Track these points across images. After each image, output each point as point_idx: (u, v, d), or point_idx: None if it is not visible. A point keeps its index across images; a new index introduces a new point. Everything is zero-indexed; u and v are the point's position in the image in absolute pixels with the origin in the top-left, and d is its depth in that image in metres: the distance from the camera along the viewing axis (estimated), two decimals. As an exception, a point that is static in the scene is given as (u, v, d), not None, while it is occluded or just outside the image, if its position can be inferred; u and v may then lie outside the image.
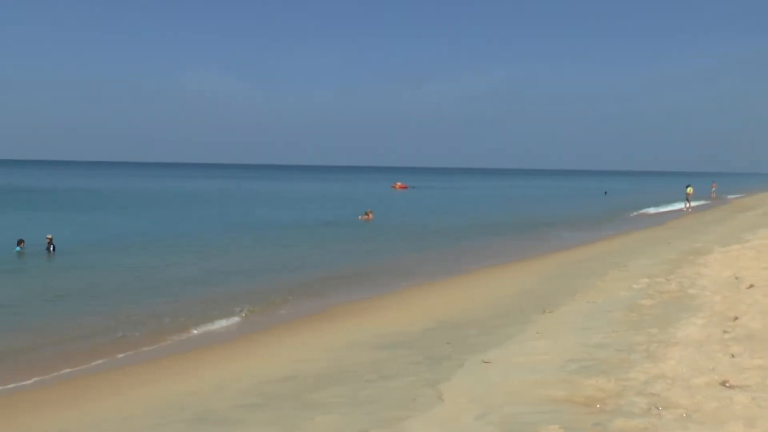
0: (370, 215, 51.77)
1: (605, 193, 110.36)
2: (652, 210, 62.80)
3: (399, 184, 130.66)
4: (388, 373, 11.62)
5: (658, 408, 8.29)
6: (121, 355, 15.55)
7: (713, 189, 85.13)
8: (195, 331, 17.63)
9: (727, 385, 9.00)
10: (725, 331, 11.69)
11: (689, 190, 64.16)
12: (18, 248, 30.27)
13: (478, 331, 14.64)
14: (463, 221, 52.50)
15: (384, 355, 13.34)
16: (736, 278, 16.80)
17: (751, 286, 15.43)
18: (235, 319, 18.89)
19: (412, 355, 12.91)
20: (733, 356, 10.22)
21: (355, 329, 16.82)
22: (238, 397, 11.25)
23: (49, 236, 30.93)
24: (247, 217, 53.62)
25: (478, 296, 20.47)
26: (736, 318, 12.60)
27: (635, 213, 60.36)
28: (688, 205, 63.36)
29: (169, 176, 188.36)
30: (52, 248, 30.36)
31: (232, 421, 9.94)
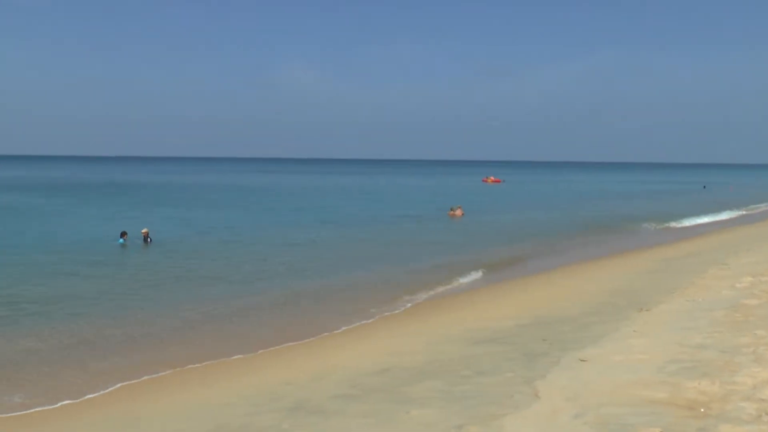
0: (459, 211, 51.14)
1: (704, 187, 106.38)
2: (763, 206, 60.20)
3: (492, 178, 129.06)
4: (484, 369, 11.62)
5: (768, 415, 7.96)
6: (221, 346, 16.07)
7: None
8: (291, 323, 18.09)
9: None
10: (840, 335, 11.12)
11: None
12: (121, 240, 31.83)
13: (572, 328, 14.43)
14: (556, 216, 51.65)
15: (478, 350, 13.34)
16: None
17: None
18: (330, 313, 19.26)
19: (507, 351, 12.84)
20: None
21: (448, 323, 16.87)
22: (334, 388, 11.48)
23: (145, 230, 32.94)
24: (336, 212, 54.28)
25: (572, 292, 20.15)
26: None
27: (742, 210, 57.97)
28: None
29: (265, 171, 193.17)
30: (148, 240, 32.13)
31: (328, 412, 10.14)
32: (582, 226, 43.56)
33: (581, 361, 11.27)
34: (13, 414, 11.70)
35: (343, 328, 17.53)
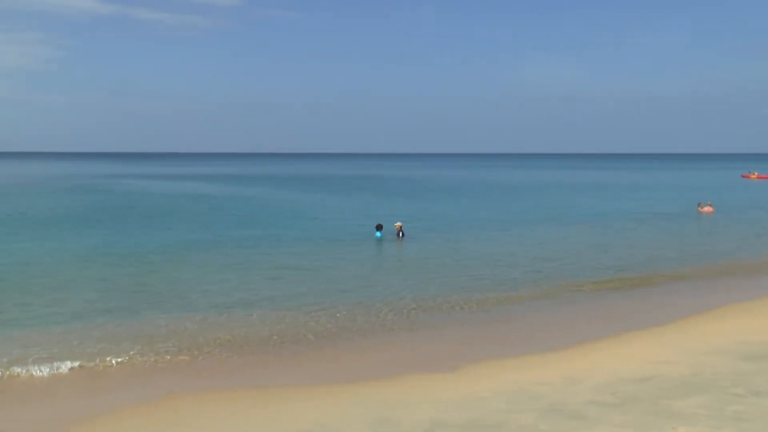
0: (708, 208, 47.27)
1: None
2: None
3: (755, 174, 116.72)
4: (759, 389, 10.67)
5: None
6: (483, 343, 16.35)
7: None
8: (547, 324, 17.95)
9: None
10: None
11: None
12: (379, 234, 33.52)
13: None
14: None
15: (751, 367, 12.26)
16: None
17: None
18: (573, 308, 18.82)
19: (785, 371, 11.68)
20: None
21: (711, 333, 15.68)
22: (592, 393, 11.20)
23: (399, 224, 34.27)
24: (575, 209, 52.75)
25: None
26: None
27: None
28: None
29: (504, 167, 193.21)
30: (401, 234, 33.41)
31: (586, 418, 9.92)
32: None
33: None
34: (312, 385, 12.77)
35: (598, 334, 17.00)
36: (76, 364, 14.19)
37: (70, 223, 40.94)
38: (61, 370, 13.85)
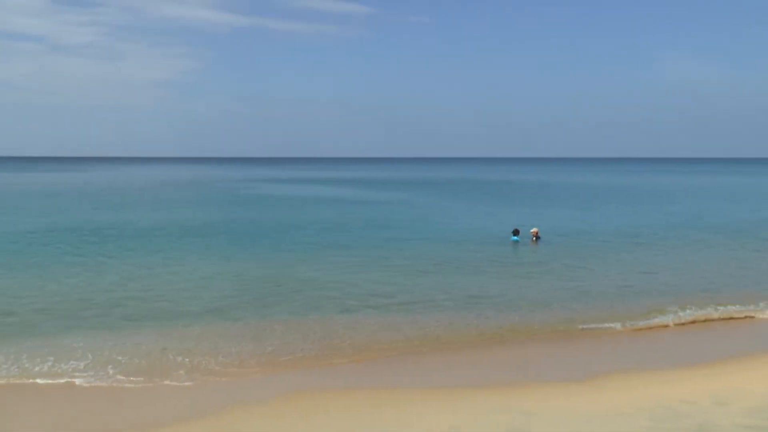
0: None
1: None
2: None
3: None
4: None
5: None
6: (629, 353, 15.82)
7: None
8: (695, 340, 17.09)
9: None
10: None
11: None
12: (515, 237, 33.24)
13: None
14: None
15: None
16: None
17: None
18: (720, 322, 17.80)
19: None
20: None
21: None
22: (743, 416, 10.54)
23: (534, 229, 33.93)
24: (723, 217, 49.69)
25: None
26: None
27: None
28: None
29: (640, 171, 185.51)
30: (537, 239, 33.07)
31: (739, 443, 9.34)
32: None
33: None
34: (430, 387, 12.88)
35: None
36: (216, 358, 14.91)
37: (211, 223, 43.28)
38: (200, 363, 14.57)
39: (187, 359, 14.68)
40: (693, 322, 18.44)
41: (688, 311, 19.15)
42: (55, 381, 13.38)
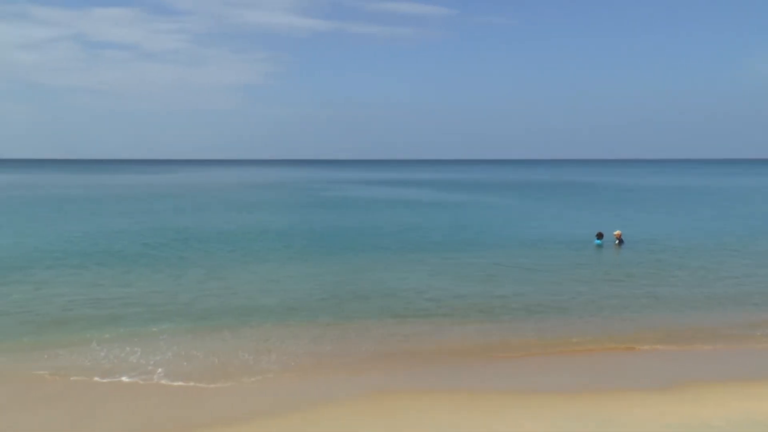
0: None
1: None
2: None
3: None
4: None
5: None
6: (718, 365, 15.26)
7: None
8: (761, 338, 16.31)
9: None
10: None
11: None
12: (598, 241, 32.50)
13: None
14: None
15: None
16: None
17: None
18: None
19: None
20: None
21: None
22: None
23: (618, 232, 33.22)
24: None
25: None
26: None
27: None
28: None
29: (723, 174, 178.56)
30: (618, 242, 32.43)
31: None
32: None
33: None
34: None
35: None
36: (296, 357, 15.17)
37: (290, 224, 44.10)
38: (280, 361, 14.84)
39: (265, 357, 14.99)
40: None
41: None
42: (140, 375, 13.86)
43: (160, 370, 14.12)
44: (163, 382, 13.46)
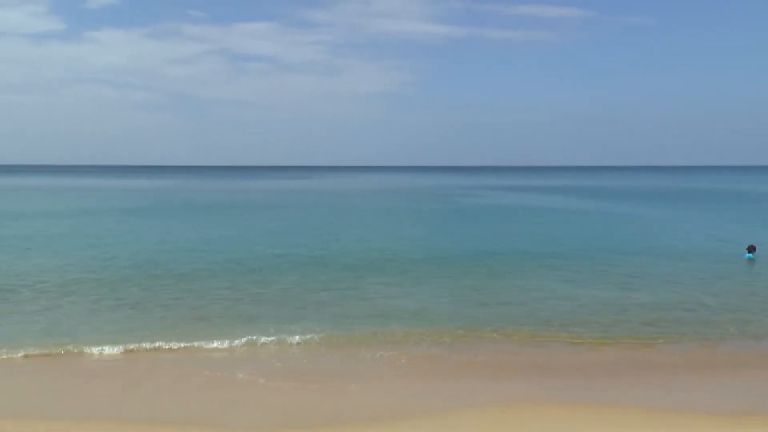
0: None
1: None
2: None
3: None
4: None
5: None
6: None
7: None
8: None
9: None
10: None
11: None
12: (749, 255, 30.22)
13: None
14: None
15: None
16: None
17: None
18: None
19: None
20: None
21: None
22: None
23: None
24: None
25: None
26: None
27: None
28: None
29: None
30: (774, 255, 29.93)
31: None
32: None
33: None
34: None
35: None
36: (430, 361, 15.16)
37: (424, 229, 44.35)
38: (414, 365, 14.88)
39: (399, 361, 15.07)
40: None
41: None
42: (283, 374, 14.28)
43: (295, 369, 14.54)
44: (297, 382, 13.71)
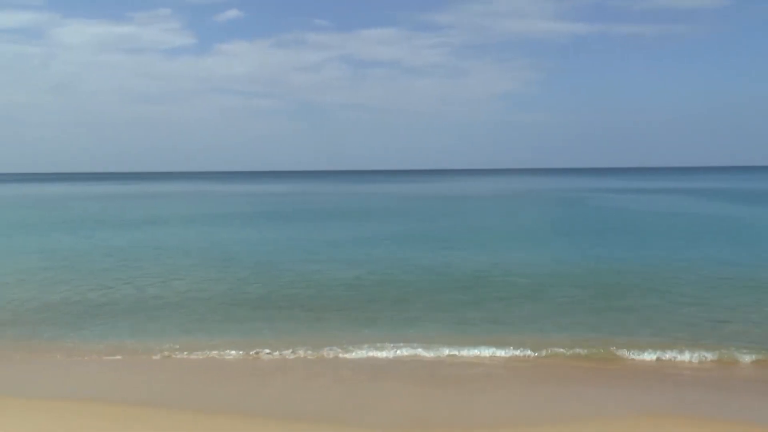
0: None
1: None
2: None
3: None
4: None
5: None
6: None
7: None
8: None
9: None
10: None
11: None
12: None
13: None
14: None
15: None
16: None
17: None
18: None
19: None
20: None
21: None
22: None
23: None
24: None
25: None
26: None
27: None
28: None
29: None
30: None
31: None
32: None
33: None
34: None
35: None
36: (556, 364, 14.91)
37: (552, 232, 43.61)
38: (542, 373, 14.71)
39: (522, 364, 15.09)
40: None
41: None
42: (412, 377, 14.49)
43: (424, 372, 14.71)
44: (426, 386, 13.83)
